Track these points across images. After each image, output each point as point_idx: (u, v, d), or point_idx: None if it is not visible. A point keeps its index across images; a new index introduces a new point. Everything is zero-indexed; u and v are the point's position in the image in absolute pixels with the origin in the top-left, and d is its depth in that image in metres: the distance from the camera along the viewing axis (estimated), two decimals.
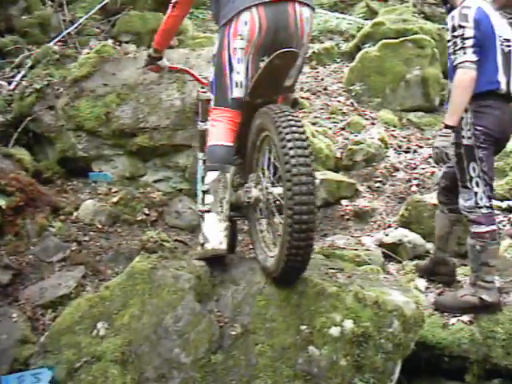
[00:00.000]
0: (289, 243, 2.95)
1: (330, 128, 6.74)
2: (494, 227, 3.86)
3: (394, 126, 7.19)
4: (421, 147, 6.69)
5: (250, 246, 4.68)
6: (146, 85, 5.73)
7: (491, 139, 3.86)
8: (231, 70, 3.49)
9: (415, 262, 4.63)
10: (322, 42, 9.72)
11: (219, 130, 3.55)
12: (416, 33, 8.32)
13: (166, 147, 5.49)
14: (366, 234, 4.98)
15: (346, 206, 5.32)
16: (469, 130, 3.83)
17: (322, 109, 7.38)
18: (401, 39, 8.05)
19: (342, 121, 7.02)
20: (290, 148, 2.94)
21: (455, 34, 3.78)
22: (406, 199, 5.39)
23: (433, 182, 5.82)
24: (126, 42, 8.49)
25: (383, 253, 4.66)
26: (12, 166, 5.04)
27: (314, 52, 9.19)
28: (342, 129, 6.79)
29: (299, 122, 3.09)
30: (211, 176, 3.47)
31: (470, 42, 3.72)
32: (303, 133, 3.04)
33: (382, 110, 7.52)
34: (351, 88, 7.90)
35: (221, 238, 3.39)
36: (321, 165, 5.72)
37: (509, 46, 3.91)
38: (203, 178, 3.67)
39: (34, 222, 4.60)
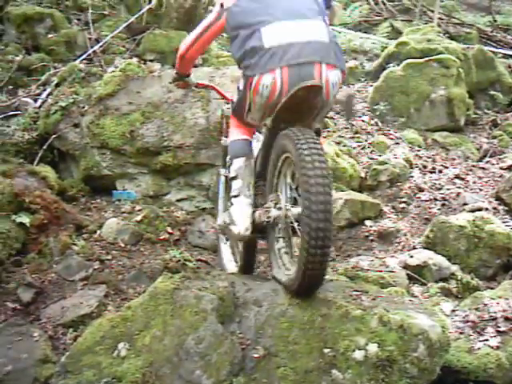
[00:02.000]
0: (306, 259, 3.02)
1: (355, 148, 6.69)
2: None
3: (419, 146, 7.12)
4: (446, 167, 6.61)
5: None
6: (170, 103, 5.74)
7: None
8: (249, 110, 3.62)
9: (440, 284, 4.56)
10: (346, 62, 9.70)
11: (238, 129, 3.81)
12: (441, 53, 8.26)
13: (190, 166, 5.50)
14: (390, 256, 4.90)
15: (371, 226, 5.26)
16: None
17: (347, 128, 7.34)
18: (425, 59, 7.99)
19: (366, 140, 6.97)
20: (310, 169, 3.03)
21: None
22: (430, 220, 5.32)
23: (458, 202, 5.74)
24: (151, 61, 8.53)
25: (408, 275, 4.59)
26: (37, 183, 5.05)
27: None
28: (367, 148, 6.74)
29: (319, 144, 3.16)
30: (238, 163, 3.65)
31: None
32: (322, 155, 3.11)
33: (407, 129, 7.46)
34: (375, 107, 7.85)
35: (248, 224, 3.53)
36: (345, 185, 5.68)
37: None
38: (227, 179, 3.93)
39: (58, 240, 4.62)
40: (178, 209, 5.41)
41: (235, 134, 3.82)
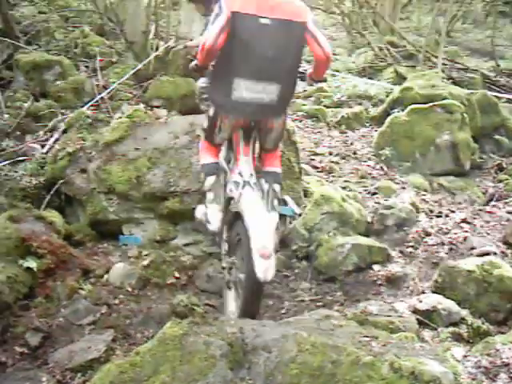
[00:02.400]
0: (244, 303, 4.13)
1: (360, 192, 6.71)
2: None
3: (425, 191, 7.14)
4: (452, 212, 6.60)
5: (282, 311, 4.65)
6: (176, 149, 5.77)
7: None
8: (220, 131, 4.59)
9: (451, 329, 4.50)
10: (351, 107, 9.82)
11: (208, 153, 4.82)
12: (445, 98, 8.35)
13: None
14: (399, 300, 4.85)
15: (378, 271, 5.22)
16: None
17: (352, 173, 7.38)
18: (430, 104, 8.07)
19: (372, 185, 6.99)
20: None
21: None
22: (438, 264, 5.28)
23: (466, 247, 5.72)
24: (158, 107, 8.63)
25: (417, 319, 4.54)
26: (44, 228, 5.04)
27: (342, 116, 9.28)
28: (373, 193, 6.75)
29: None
30: (210, 180, 4.70)
31: None
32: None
33: (412, 174, 7.50)
34: (381, 152, 7.91)
35: (218, 225, 4.64)
36: (352, 229, 5.65)
37: None
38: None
39: (65, 285, 4.60)
40: (185, 253, 5.38)
41: (207, 157, 4.80)
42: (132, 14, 10.07)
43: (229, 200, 4.57)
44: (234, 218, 4.48)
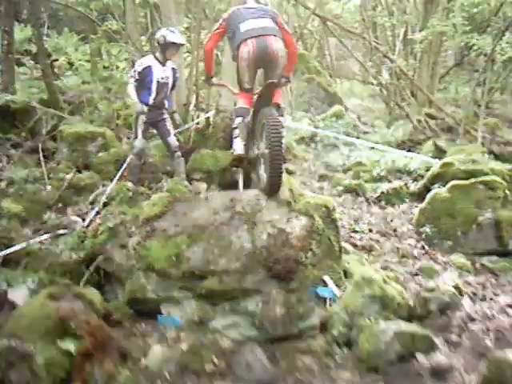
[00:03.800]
0: (270, 171, 5.73)
1: (402, 273, 6.58)
2: None
3: (468, 272, 6.97)
4: (497, 295, 6.42)
5: None
6: (216, 226, 5.74)
7: None
8: (243, 76, 6.53)
9: None
10: (391, 182, 9.74)
11: (241, 99, 6.66)
12: (486, 174, 8.23)
13: (236, 291, 5.41)
14: None
15: (422, 361, 5.02)
16: None
17: (393, 252, 7.27)
18: (471, 181, 7.96)
19: (413, 265, 6.87)
20: (272, 132, 5.62)
21: None
22: (485, 354, 5.09)
23: None
24: (198, 180, 8.70)
25: None
26: (83, 307, 5.01)
27: (382, 192, 9.21)
28: (414, 274, 6.62)
29: (277, 118, 5.76)
30: (238, 120, 6.59)
31: None
32: (278, 123, 5.70)
33: (454, 253, 7.35)
34: (421, 230, 7.80)
35: (242, 151, 6.52)
36: (393, 313, 5.49)
37: None
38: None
39: (102, 369, 4.52)
40: (224, 336, 5.28)
41: (240, 102, 6.66)
42: None
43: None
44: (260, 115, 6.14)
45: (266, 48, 6.26)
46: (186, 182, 7.76)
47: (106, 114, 11.27)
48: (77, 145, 9.00)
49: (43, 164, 8.66)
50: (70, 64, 14.94)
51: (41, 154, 9.03)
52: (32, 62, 14.61)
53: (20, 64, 14.06)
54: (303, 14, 20.85)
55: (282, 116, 6.59)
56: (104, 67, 14.00)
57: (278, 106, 6.47)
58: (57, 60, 14.95)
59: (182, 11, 12.62)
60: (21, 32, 14.94)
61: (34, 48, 14.09)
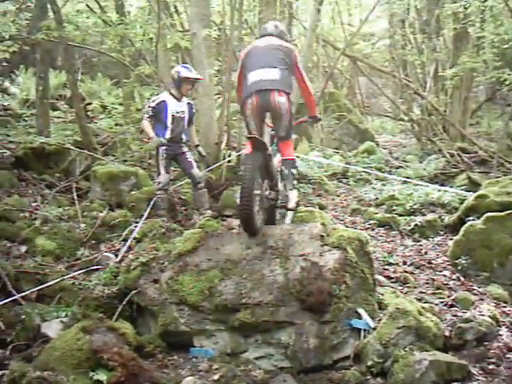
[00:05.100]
0: None
1: (437, 304, 6.48)
2: None
3: (505, 302, 6.83)
4: None
5: None
6: (248, 260, 5.75)
7: None
8: (248, 125, 6.42)
9: None
10: (424, 215, 9.68)
11: (248, 147, 6.30)
12: None
13: (269, 324, 5.36)
14: None
15: None
16: None
17: (427, 283, 7.17)
18: (507, 212, 7.84)
19: (448, 296, 6.76)
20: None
21: None
22: None
23: None
24: (230, 217, 8.73)
25: None
26: (115, 339, 5.02)
27: (416, 225, 9.14)
28: (450, 305, 6.51)
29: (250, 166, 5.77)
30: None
31: None
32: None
33: (491, 284, 7.22)
34: (457, 262, 7.69)
35: None
36: (429, 344, 5.39)
37: None
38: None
39: None
40: (256, 367, 5.24)
41: (247, 149, 6.39)
42: (205, 126, 10.40)
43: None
44: None
45: (268, 102, 6.19)
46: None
47: (139, 154, 11.45)
48: (110, 184, 9.13)
49: (77, 203, 8.79)
50: (104, 107, 15.28)
51: (74, 194, 9.19)
52: (66, 106, 14.94)
53: (55, 108, 14.38)
54: (333, 54, 21.06)
55: (296, 168, 6.66)
56: (137, 109, 14.27)
57: (288, 160, 6.55)
58: (90, 104, 15.28)
59: (212, 55, 12.82)
60: (55, 78, 15.30)
61: (68, 93, 14.41)
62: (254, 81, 6.26)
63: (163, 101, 8.23)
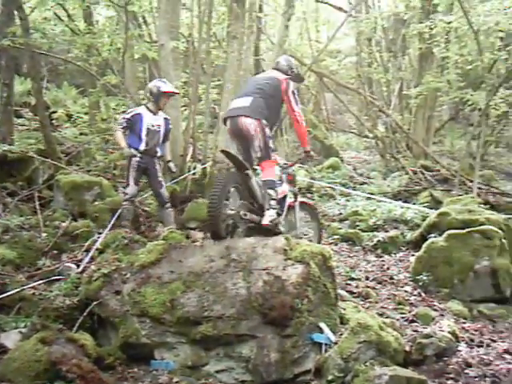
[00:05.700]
0: None
1: (398, 319, 6.54)
2: None
3: (465, 318, 6.95)
4: (494, 341, 6.37)
5: None
6: (212, 273, 5.73)
7: None
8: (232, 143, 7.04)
9: None
10: (387, 231, 9.78)
11: None
12: (482, 223, 8.26)
13: (230, 337, 5.35)
14: None
15: None
16: None
17: (389, 299, 7.25)
18: (468, 230, 7.98)
19: (409, 312, 6.83)
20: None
21: None
22: None
23: (509, 379, 5.46)
24: (194, 229, 8.71)
25: None
26: (74, 351, 4.98)
27: (379, 241, 9.23)
28: (411, 321, 6.58)
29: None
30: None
31: None
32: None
33: (451, 300, 7.34)
34: (418, 278, 7.79)
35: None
36: (389, 359, 5.45)
37: None
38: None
39: None
40: (217, 381, 5.23)
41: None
42: (171, 138, 10.35)
43: None
44: None
45: (237, 125, 6.53)
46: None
47: (103, 164, 11.36)
48: (73, 193, 9.02)
49: (39, 212, 8.67)
50: (69, 116, 15.12)
51: (37, 202, 9.05)
52: (31, 113, 14.77)
53: (19, 116, 14.20)
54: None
55: (273, 189, 6.59)
56: (102, 119, 14.17)
57: (267, 181, 6.57)
58: (55, 112, 15.12)
59: (180, 67, 12.83)
60: (21, 85, 15.11)
61: (33, 100, 14.26)
62: (230, 108, 6.81)
63: (139, 113, 8.22)
